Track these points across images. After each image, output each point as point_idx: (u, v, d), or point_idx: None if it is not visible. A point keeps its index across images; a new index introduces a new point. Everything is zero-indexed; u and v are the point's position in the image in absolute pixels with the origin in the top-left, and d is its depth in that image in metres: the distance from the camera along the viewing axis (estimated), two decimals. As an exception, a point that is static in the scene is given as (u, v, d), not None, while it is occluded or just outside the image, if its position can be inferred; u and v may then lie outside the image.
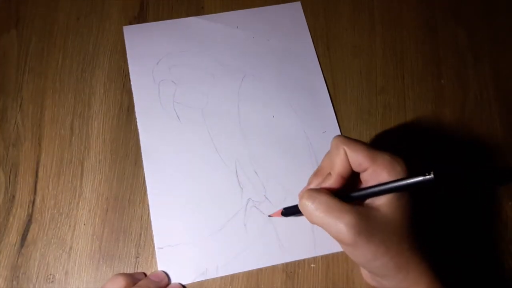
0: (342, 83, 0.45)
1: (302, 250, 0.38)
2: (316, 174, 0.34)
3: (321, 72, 0.45)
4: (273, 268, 0.38)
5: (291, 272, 0.38)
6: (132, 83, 0.44)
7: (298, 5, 0.48)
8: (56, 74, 0.44)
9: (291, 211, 0.37)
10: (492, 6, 0.49)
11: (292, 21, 0.47)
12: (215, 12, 0.48)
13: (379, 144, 0.43)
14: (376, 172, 0.30)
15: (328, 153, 0.33)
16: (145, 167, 0.40)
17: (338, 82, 0.45)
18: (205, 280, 0.37)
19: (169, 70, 0.44)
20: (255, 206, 0.39)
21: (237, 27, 0.46)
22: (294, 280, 0.38)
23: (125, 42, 0.45)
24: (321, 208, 0.30)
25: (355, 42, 0.47)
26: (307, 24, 0.47)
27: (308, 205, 0.30)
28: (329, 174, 0.33)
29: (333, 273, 0.38)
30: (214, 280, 0.37)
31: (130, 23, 0.46)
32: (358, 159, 0.31)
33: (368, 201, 0.31)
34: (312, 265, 0.38)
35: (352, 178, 0.33)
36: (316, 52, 0.46)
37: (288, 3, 0.48)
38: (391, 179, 0.30)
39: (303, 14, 0.48)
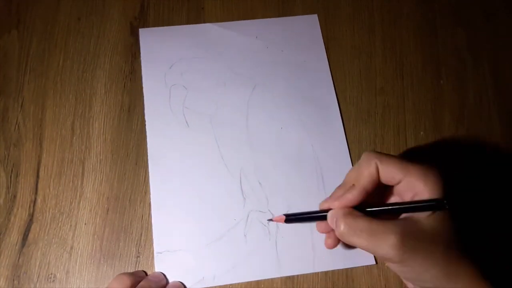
0: (342, 84, 0.45)
1: (301, 265, 0.38)
2: (339, 187, 0.34)
3: (333, 87, 0.45)
4: (273, 267, 0.38)
5: (291, 271, 0.38)
6: (144, 85, 0.44)
7: (315, 18, 0.48)
8: (57, 74, 0.44)
9: (294, 218, 0.36)
10: (491, 7, 0.49)
11: (308, 34, 0.47)
12: (215, 14, 0.48)
13: (378, 146, 0.43)
14: (411, 183, 0.30)
15: (355, 167, 0.33)
16: (151, 170, 0.40)
17: (338, 83, 0.45)
18: (206, 279, 0.37)
19: (181, 75, 0.44)
20: (257, 218, 0.39)
21: (256, 37, 0.46)
22: (294, 279, 0.38)
23: (139, 45, 0.45)
24: (364, 235, 0.29)
25: (354, 42, 0.47)
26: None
27: (349, 233, 0.30)
28: (352, 186, 0.32)
29: (333, 273, 0.38)
30: (214, 279, 0.38)
31: (131, 24, 0.47)
32: (391, 171, 0.30)
33: (405, 214, 0.31)
34: (312, 265, 0.38)
35: (377, 192, 0.32)
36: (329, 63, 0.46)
37: (305, 15, 0.48)
38: (428, 190, 0.30)
39: (319, 27, 0.47)
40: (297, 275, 0.38)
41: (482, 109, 0.45)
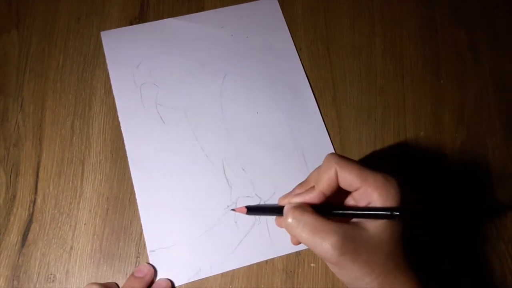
0: (342, 83, 0.45)
1: None
2: (301, 184, 0.34)
3: (301, 66, 0.46)
4: (273, 267, 0.38)
5: (291, 271, 0.38)
6: (113, 87, 0.44)
7: (274, 1, 0.48)
8: (57, 74, 0.44)
9: (255, 211, 0.37)
10: (491, 6, 0.49)
11: (270, 17, 0.48)
12: (215, 13, 0.48)
13: (378, 146, 0.43)
14: (367, 192, 0.30)
15: (318, 167, 0.33)
16: (132, 171, 0.40)
17: (338, 82, 0.45)
18: (206, 279, 0.37)
19: (149, 73, 0.44)
20: (245, 203, 0.39)
21: (222, 27, 0.46)
22: (294, 279, 0.38)
23: (103, 48, 0.45)
24: (306, 229, 0.29)
25: (354, 42, 0.47)
26: (303, 21, 0.48)
27: (293, 226, 0.30)
28: (312, 187, 0.32)
29: (332, 272, 0.38)
30: (214, 279, 0.38)
31: (131, 23, 0.47)
32: (349, 179, 0.30)
33: (355, 220, 0.31)
34: (312, 265, 0.38)
35: (338, 192, 0.32)
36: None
37: (264, 0, 0.48)
38: (382, 200, 0.29)
39: (279, 9, 0.48)
40: (297, 275, 0.38)
41: (483, 109, 0.45)
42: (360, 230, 0.29)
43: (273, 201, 0.40)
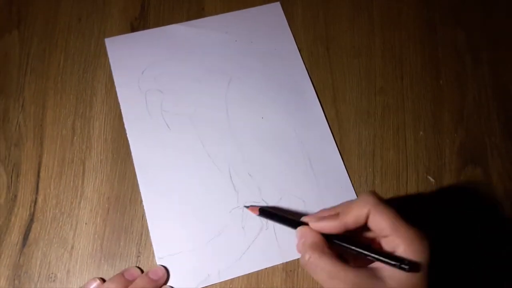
0: (342, 84, 0.45)
1: None
2: (327, 209, 0.34)
3: (305, 70, 0.46)
4: (273, 267, 0.38)
5: (290, 271, 0.38)
6: (118, 94, 0.44)
7: (277, 6, 0.48)
8: (58, 74, 0.44)
9: (268, 215, 0.37)
10: (491, 7, 0.50)
11: (273, 22, 0.48)
12: (216, 13, 0.48)
13: (378, 146, 0.43)
14: (395, 242, 0.29)
15: (352, 201, 0.32)
16: (139, 178, 0.40)
17: (338, 83, 0.45)
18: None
19: (154, 79, 0.44)
20: None
21: (226, 32, 0.46)
22: (294, 279, 0.38)
23: (107, 55, 0.45)
24: (323, 274, 0.30)
25: (354, 42, 0.47)
26: (303, 22, 0.48)
27: (310, 265, 0.30)
28: (336, 215, 0.32)
29: (332, 272, 0.38)
30: (214, 279, 0.38)
31: (132, 24, 0.47)
32: (382, 225, 0.30)
33: (376, 265, 0.30)
34: (311, 264, 0.39)
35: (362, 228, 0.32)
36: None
37: (268, 4, 0.49)
38: (407, 255, 0.29)
39: (283, 14, 0.48)
40: (297, 274, 0.38)
41: (482, 109, 0.45)
42: (376, 280, 0.29)
43: (280, 205, 0.40)
